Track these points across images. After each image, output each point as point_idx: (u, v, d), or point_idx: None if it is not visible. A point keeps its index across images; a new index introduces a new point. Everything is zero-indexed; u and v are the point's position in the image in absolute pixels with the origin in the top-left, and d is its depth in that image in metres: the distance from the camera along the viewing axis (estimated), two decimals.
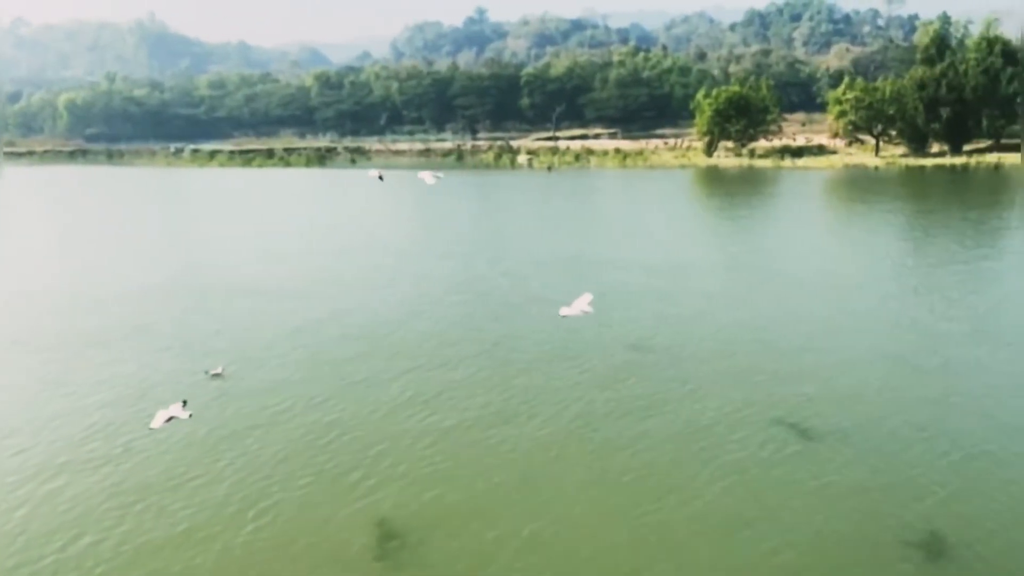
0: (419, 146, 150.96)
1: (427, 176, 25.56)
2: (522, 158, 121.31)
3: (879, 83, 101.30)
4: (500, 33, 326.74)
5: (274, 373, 26.52)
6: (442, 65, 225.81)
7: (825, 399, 23.09)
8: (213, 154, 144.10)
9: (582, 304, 18.44)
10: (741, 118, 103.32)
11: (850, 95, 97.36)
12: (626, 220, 58.88)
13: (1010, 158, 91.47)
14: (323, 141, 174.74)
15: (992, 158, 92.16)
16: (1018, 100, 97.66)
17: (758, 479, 18.82)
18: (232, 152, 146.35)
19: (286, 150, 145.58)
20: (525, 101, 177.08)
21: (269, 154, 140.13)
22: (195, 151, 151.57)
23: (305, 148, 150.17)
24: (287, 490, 18.88)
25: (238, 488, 19.08)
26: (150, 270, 44.77)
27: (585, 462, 19.94)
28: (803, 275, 38.78)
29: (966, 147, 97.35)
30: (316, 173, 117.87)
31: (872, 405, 22.64)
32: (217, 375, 25.60)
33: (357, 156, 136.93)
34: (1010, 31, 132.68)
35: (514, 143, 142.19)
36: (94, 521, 17.82)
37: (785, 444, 20.46)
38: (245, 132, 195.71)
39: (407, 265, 44.00)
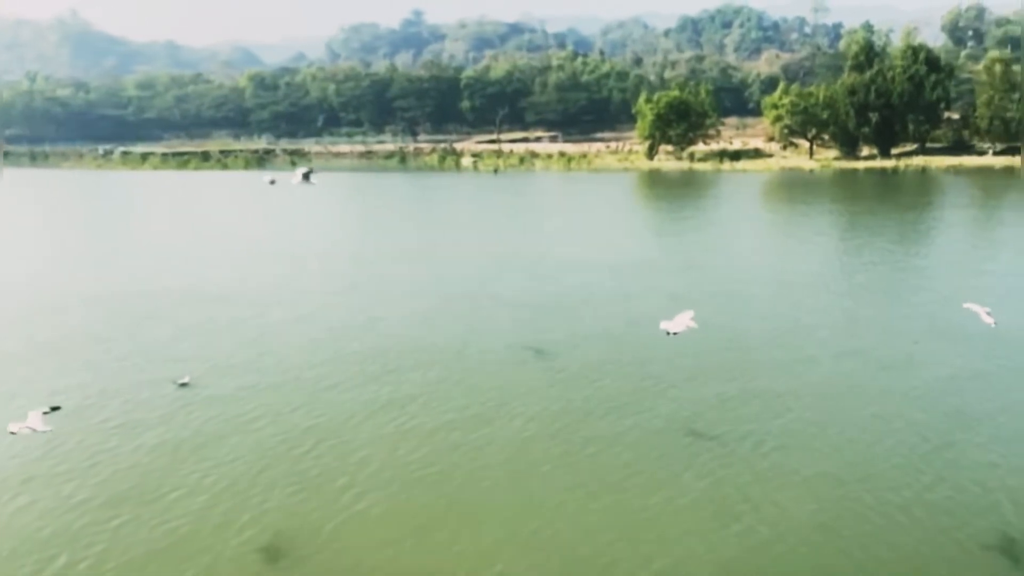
0: (360, 148, 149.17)
1: (297, 176, 24.60)
2: (467, 161, 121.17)
3: (813, 89, 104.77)
4: (437, 35, 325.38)
5: (241, 380, 25.80)
6: (380, 67, 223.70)
7: (796, 394, 23.69)
8: (145, 156, 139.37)
9: (685, 319, 18.54)
10: (681, 122, 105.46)
11: (786, 100, 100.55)
12: (580, 222, 59.42)
13: (936, 161, 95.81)
14: (259, 143, 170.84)
15: (919, 161, 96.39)
16: (941, 106, 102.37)
17: (742, 474, 19.17)
18: (165, 154, 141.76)
19: (222, 152, 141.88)
20: (465, 104, 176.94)
21: (205, 156, 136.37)
22: (125, 153, 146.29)
23: (242, 150, 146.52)
24: (271, 499, 18.38)
25: (219, 499, 18.48)
26: (99, 276, 42.93)
27: (571, 462, 20.00)
28: (758, 274, 39.77)
29: (894, 151, 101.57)
30: (255, 176, 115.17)
31: (842, 399, 23.34)
32: (184, 384, 24.77)
33: (297, 158, 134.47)
34: (927, 38, 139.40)
35: (457, 145, 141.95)
36: (68, 539, 17.01)
37: (763, 439, 20.91)
38: (176, 134, 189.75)
39: (365, 269, 43.38)
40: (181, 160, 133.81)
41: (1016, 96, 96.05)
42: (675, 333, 17.79)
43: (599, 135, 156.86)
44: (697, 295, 35.39)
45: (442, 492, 18.52)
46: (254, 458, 20.49)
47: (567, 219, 60.79)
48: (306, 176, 25.55)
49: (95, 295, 38.20)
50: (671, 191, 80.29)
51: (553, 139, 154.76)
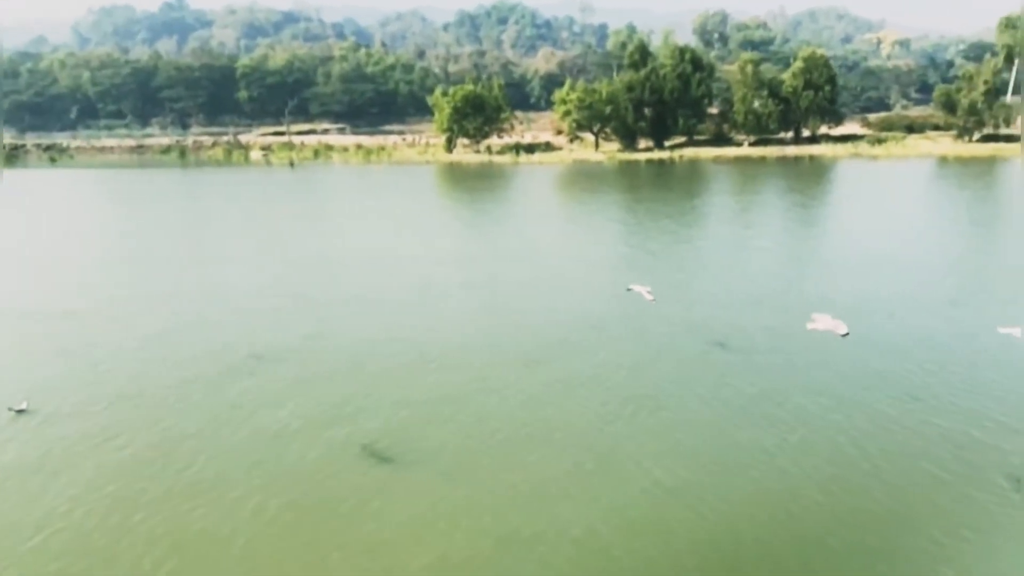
0: (129, 143, 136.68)
1: None
2: (256, 154, 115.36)
3: (597, 85, 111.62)
4: (203, 21, 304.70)
5: (85, 396, 23.29)
6: (140, 53, 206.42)
7: (654, 364, 25.64)
8: None
9: (831, 323, 22.69)
10: (477, 116, 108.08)
11: (573, 96, 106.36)
12: (403, 216, 59.02)
13: (703, 152, 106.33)
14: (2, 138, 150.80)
15: (689, 152, 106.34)
16: (705, 102, 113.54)
17: (629, 442, 20.53)
18: None
19: None
20: (243, 94, 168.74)
21: None
22: None
23: None
24: (162, 520, 16.95)
25: (97, 532, 16.72)
26: None
27: (470, 445, 20.18)
28: (585, 260, 42.12)
29: (667, 143, 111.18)
30: (8, 175, 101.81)
31: (693, 369, 25.56)
32: (21, 411, 21.83)
33: (57, 155, 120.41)
34: (680, 40, 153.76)
35: (241, 138, 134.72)
36: None
37: (638, 408, 22.41)
38: None
39: (189, 274, 40.18)
40: None
41: (765, 93, 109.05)
42: (846, 334, 25.04)
43: (388, 127, 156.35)
44: (541, 282, 36.94)
45: (353, 488, 18.13)
46: (127, 479, 18.74)
47: (388, 213, 60.15)
48: None
49: None
50: (478, 183, 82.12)
51: (341, 131, 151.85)
